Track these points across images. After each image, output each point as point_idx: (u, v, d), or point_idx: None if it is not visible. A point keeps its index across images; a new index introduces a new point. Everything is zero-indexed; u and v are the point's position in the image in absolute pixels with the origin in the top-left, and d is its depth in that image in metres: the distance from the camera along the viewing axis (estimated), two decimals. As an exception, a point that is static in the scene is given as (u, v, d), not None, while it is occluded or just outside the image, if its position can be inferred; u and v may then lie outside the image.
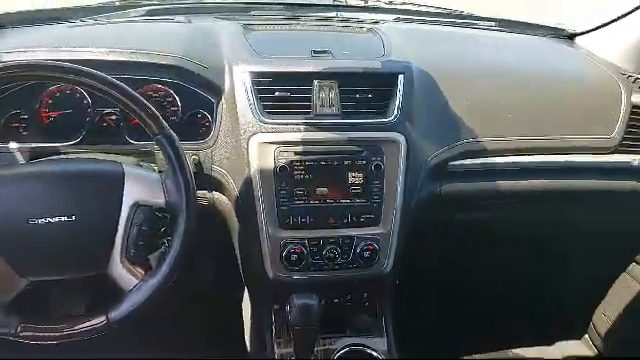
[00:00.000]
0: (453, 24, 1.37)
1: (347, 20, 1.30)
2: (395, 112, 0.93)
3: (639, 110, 1.10)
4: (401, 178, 0.94)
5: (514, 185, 1.07)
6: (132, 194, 0.73)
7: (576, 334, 1.58)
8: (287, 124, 0.90)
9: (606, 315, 1.44)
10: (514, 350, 1.52)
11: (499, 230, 1.21)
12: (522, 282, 1.38)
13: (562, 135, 1.07)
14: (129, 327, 0.71)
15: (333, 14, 1.41)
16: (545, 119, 1.07)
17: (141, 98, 0.72)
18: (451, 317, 1.37)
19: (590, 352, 1.53)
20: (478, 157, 1.03)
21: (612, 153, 1.10)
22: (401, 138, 0.93)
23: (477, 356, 1.46)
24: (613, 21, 1.23)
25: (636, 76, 1.17)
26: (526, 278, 1.38)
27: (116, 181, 0.74)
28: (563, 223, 1.21)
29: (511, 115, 1.05)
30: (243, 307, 1.17)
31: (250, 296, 1.10)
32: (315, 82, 0.92)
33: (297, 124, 0.90)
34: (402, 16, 1.37)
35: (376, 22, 1.26)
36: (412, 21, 1.35)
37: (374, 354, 0.99)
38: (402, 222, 0.96)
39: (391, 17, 1.36)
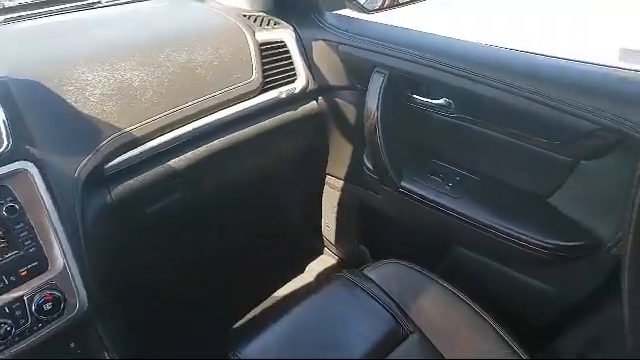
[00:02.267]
0: (75, 9, 1.23)
1: None
2: (5, 141, 0.78)
3: (266, 47, 1.16)
4: (51, 208, 0.80)
5: (184, 159, 1.04)
6: None
7: (318, 252, 1.73)
8: None
9: (329, 226, 1.60)
10: (275, 294, 1.60)
11: (200, 203, 1.19)
12: (246, 238, 1.42)
13: (209, 95, 1.06)
14: None
15: None
16: (187, 85, 1.04)
17: None
18: (193, 304, 1.34)
19: (333, 260, 1.71)
20: (133, 148, 0.96)
21: (261, 93, 1.14)
22: (28, 166, 0.79)
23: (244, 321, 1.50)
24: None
25: (255, 14, 1.23)
26: (249, 232, 1.42)
27: None
28: (250, 172, 1.25)
29: (150, 93, 0.99)
30: None
31: None
32: None
33: None
34: (10, 15, 1.16)
35: None
36: (23, 19, 1.16)
37: None
38: (78, 251, 0.84)
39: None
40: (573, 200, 0.98)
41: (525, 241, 0.99)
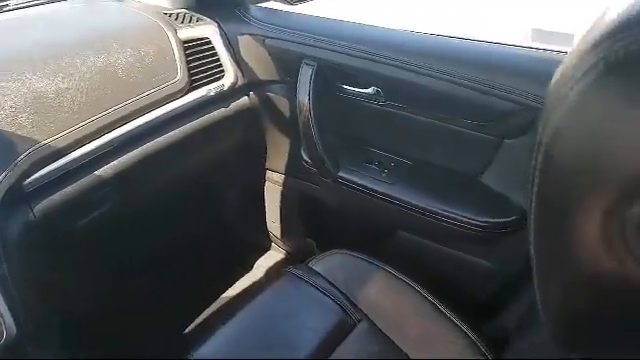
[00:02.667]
0: None
1: None
2: None
3: (190, 44, 1.12)
4: None
5: (112, 167, 1.00)
6: None
7: (266, 248, 1.72)
8: None
9: (274, 221, 1.59)
10: (225, 295, 1.58)
11: (136, 210, 1.15)
12: (189, 240, 1.39)
13: (133, 98, 1.01)
14: None
15: None
16: (108, 90, 0.99)
17: None
18: (139, 312, 1.30)
19: (281, 255, 1.70)
20: (55, 160, 0.91)
21: (188, 92, 1.11)
22: None
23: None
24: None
25: (177, 12, 1.19)
26: (192, 234, 1.39)
27: None
28: (186, 173, 1.22)
29: (68, 102, 0.93)
30: None
31: None
32: None
33: None
34: None
35: None
36: None
37: None
38: (0, 275, 0.79)
39: None
40: (501, 177, 1.02)
41: (461, 221, 1.02)
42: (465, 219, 1.01)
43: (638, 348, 0.32)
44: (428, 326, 0.97)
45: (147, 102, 1.03)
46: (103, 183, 1.00)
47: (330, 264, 1.09)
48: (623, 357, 0.35)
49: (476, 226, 1.00)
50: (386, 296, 1.03)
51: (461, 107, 0.96)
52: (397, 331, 0.96)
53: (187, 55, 1.11)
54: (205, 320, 1.48)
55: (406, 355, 0.92)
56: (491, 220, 0.99)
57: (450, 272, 1.16)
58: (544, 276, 0.35)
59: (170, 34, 1.10)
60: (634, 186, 0.26)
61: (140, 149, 1.05)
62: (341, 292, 1.02)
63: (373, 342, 0.95)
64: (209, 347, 0.95)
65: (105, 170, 1.00)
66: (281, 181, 1.45)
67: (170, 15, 1.17)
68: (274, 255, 1.72)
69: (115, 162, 1.01)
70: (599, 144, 0.27)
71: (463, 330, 0.95)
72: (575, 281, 0.32)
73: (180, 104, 1.10)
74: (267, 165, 1.46)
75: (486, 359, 0.90)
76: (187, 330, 1.46)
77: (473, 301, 1.13)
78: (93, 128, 0.95)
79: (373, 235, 1.25)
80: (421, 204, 1.06)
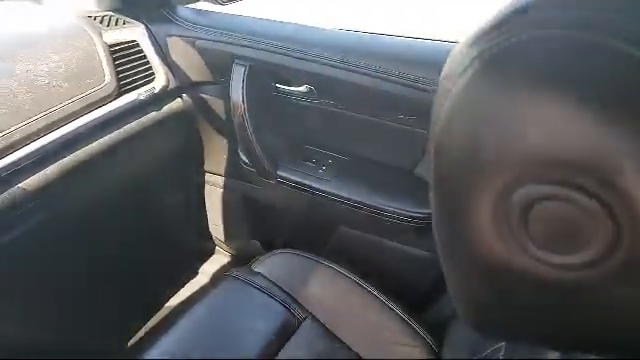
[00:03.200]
0: None
1: None
2: None
3: (116, 48, 1.08)
4: None
5: (37, 179, 0.95)
6: None
7: (210, 253, 1.69)
8: None
9: (217, 225, 1.57)
10: (169, 303, 1.54)
11: (68, 222, 1.10)
12: (129, 250, 1.34)
13: (57, 106, 0.96)
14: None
15: None
16: (30, 100, 0.93)
17: None
18: (79, 327, 1.25)
19: (227, 258, 1.68)
20: None
21: (118, 97, 1.07)
22: None
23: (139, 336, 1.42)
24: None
25: (102, 14, 1.15)
26: (131, 243, 1.35)
27: None
28: (120, 179, 1.18)
29: None
30: None
31: None
32: None
33: None
34: None
35: None
36: None
37: None
38: None
39: None
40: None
41: (398, 213, 1.04)
42: (402, 211, 1.03)
43: (534, 331, 0.34)
44: (370, 316, 0.99)
45: (73, 109, 0.99)
46: (28, 197, 0.95)
47: (273, 264, 1.09)
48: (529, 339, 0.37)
49: (413, 217, 1.03)
50: (330, 292, 1.04)
51: (392, 102, 0.98)
52: (341, 326, 0.97)
53: (114, 59, 1.07)
54: (150, 330, 1.44)
55: (350, 349, 0.93)
56: (427, 211, 1.02)
57: (392, 264, 1.19)
58: (447, 262, 0.37)
59: (95, 38, 1.06)
60: (514, 177, 0.28)
61: (68, 158, 1.01)
62: (284, 291, 1.02)
63: (318, 339, 0.96)
64: (151, 356, 0.92)
65: (29, 183, 0.95)
66: (221, 183, 1.43)
67: (95, 18, 1.12)
68: (219, 259, 1.70)
69: (42, 173, 0.96)
70: (479, 138, 0.29)
71: (406, 320, 0.97)
72: (471, 267, 0.34)
73: (109, 109, 1.06)
74: (206, 168, 1.44)
75: (429, 347, 0.93)
76: (131, 341, 1.42)
77: (415, 291, 1.16)
78: (12, 140, 0.90)
79: (316, 232, 1.26)
80: (360, 199, 1.07)
